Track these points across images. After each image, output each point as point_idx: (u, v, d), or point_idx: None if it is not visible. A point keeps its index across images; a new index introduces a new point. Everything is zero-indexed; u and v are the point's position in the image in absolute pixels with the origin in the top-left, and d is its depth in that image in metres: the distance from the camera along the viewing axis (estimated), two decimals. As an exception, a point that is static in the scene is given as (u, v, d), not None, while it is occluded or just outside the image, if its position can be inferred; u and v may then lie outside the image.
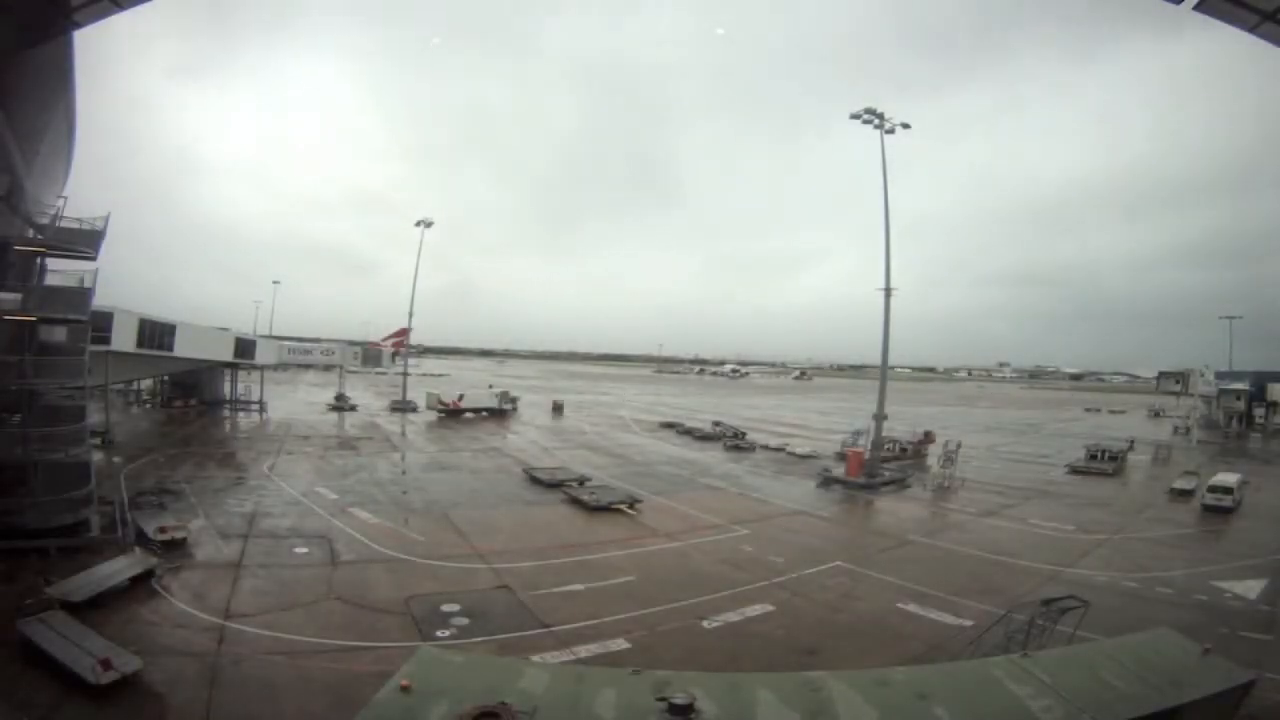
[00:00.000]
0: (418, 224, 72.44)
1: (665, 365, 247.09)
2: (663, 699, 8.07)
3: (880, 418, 44.65)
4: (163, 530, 23.68)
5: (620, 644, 17.53)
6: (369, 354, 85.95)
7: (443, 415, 66.75)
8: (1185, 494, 39.36)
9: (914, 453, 52.27)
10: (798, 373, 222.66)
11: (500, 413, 71.21)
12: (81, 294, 25.54)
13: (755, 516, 32.32)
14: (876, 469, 42.46)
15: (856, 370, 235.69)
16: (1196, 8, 15.20)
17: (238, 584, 20.48)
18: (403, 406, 69.97)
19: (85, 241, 25.81)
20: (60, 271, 26.24)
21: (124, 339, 39.84)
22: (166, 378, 65.61)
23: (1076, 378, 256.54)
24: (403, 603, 19.71)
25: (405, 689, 8.16)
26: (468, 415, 68.37)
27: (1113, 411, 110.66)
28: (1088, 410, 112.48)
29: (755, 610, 20.28)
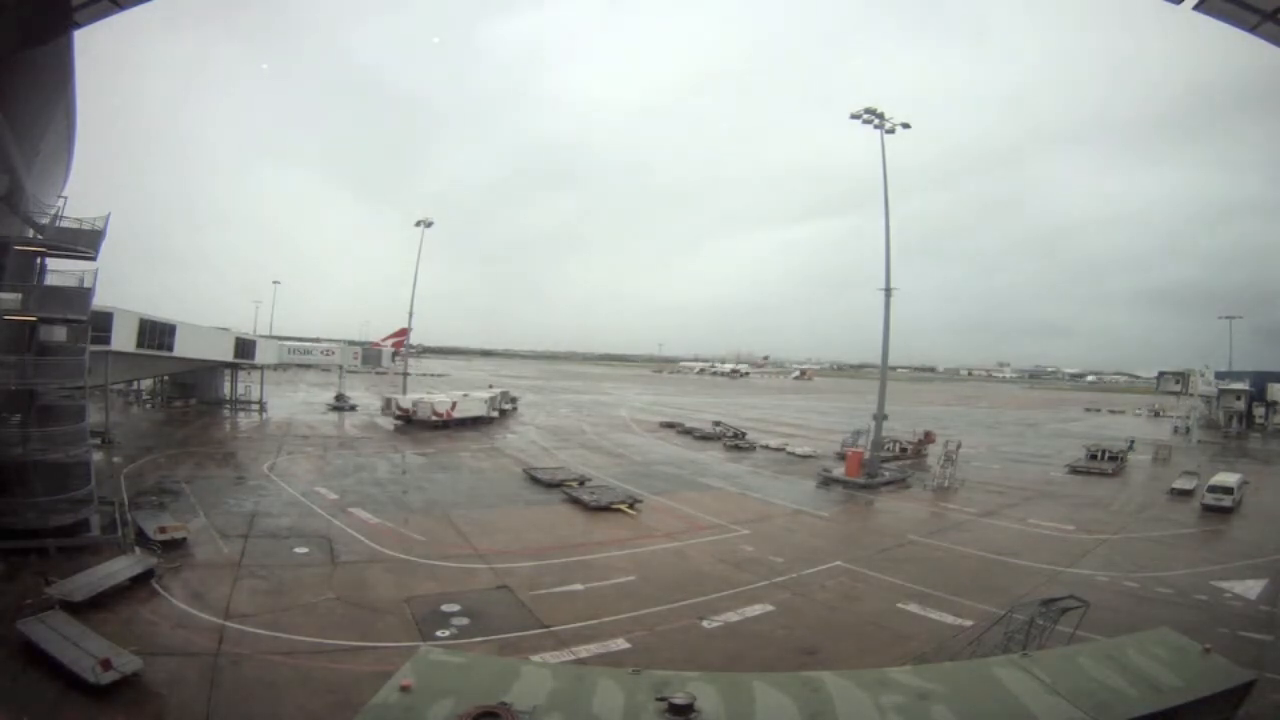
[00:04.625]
0: (418, 224, 72.44)
1: (665, 365, 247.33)
2: (663, 699, 8.07)
3: (880, 418, 44.65)
4: (162, 530, 23.67)
5: (620, 644, 17.54)
6: (369, 354, 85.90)
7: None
8: (1185, 494, 39.36)
9: (914, 453, 52.27)
10: (798, 372, 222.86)
11: (489, 420, 65.15)
12: (81, 294, 25.51)
13: (755, 516, 32.32)
14: (876, 469, 42.46)
15: (855, 369, 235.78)
16: (1196, 8, 15.23)
17: (238, 584, 20.48)
18: (405, 415, 64.41)
19: (85, 241, 25.80)
20: (60, 271, 26.23)
21: (124, 339, 39.80)
22: (166, 378, 65.57)
23: (1077, 377, 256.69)
24: (403, 603, 19.72)
25: (405, 689, 8.17)
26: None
27: (1112, 411, 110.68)
28: (1087, 410, 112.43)
29: (755, 610, 20.29)
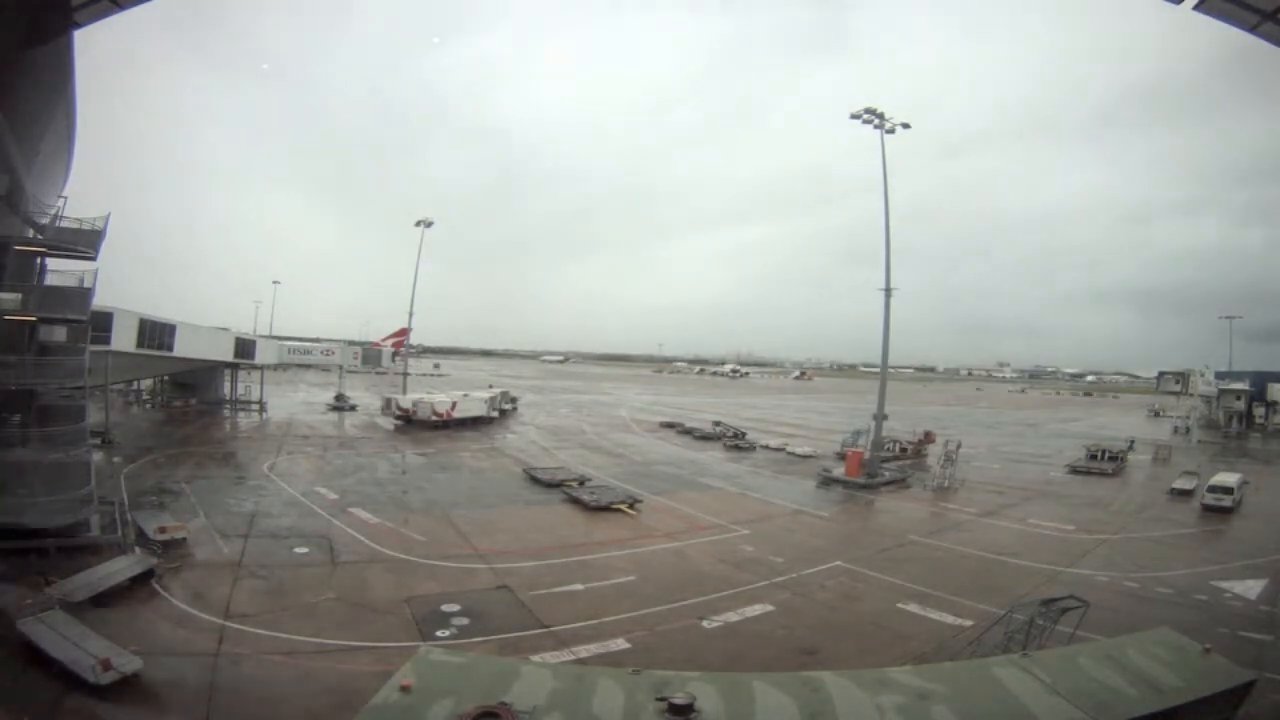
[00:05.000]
0: (418, 224, 72.48)
1: (665, 365, 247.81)
2: (663, 699, 8.06)
3: (880, 418, 44.66)
4: (162, 530, 23.67)
5: (620, 644, 17.55)
6: (369, 354, 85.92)
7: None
8: (1185, 494, 39.36)
9: (914, 453, 52.27)
10: (798, 373, 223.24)
11: (489, 420, 64.74)
12: (81, 294, 25.53)
13: (755, 516, 32.32)
14: (876, 469, 42.47)
15: (856, 369, 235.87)
16: (1196, 8, 15.24)
17: (238, 584, 20.48)
18: (405, 415, 62.38)
19: (85, 241, 25.81)
20: (60, 271, 26.25)
21: (124, 339, 39.84)
22: (166, 378, 65.57)
23: (1077, 377, 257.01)
24: (403, 602, 19.72)
25: (405, 689, 8.16)
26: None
27: (1085, 394, 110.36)
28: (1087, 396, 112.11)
29: (755, 610, 20.29)
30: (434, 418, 58.36)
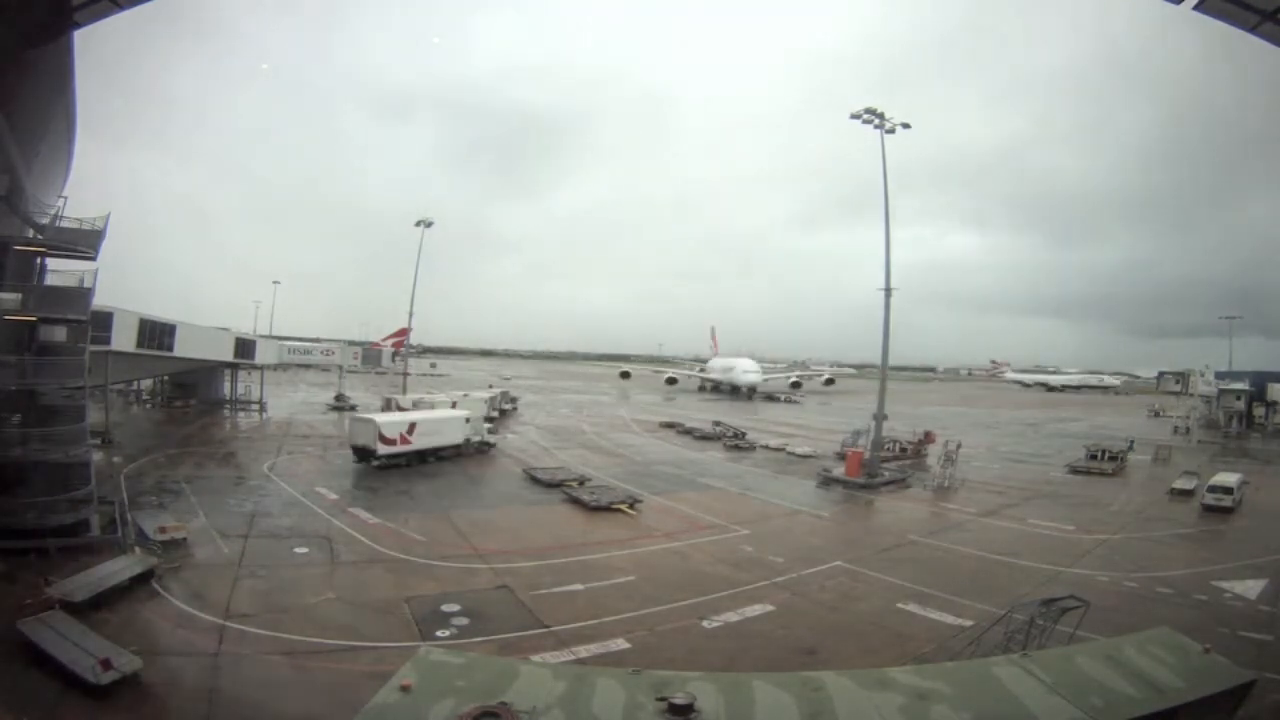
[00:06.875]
0: (417, 224, 72.46)
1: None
2: (663, 699, 8.07)
3: (880, 418, 44.66)
4: (163, 530, 23.71)
5: (620, 644, 17.57)
6: (369, 354, 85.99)
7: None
8: (1185, 494, 39.31)
9: (914, 453, 52.21)
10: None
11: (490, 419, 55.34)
12: (81, 294, 25.55)
13: (755, 516, 32.31)
14: (876, 469, 42.45)
15: (856, 370, 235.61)
16: (1196, 8, 15.23)
17: (238, 584, 20.50)
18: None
19: (85, 241, 25.82)
20: (60, 271, 26.26)
21: (124, 339, 39.83)
22: (166, 378, 65.61)
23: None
24: (402, 602, 19.74)
25: (405, 689, 8.18)
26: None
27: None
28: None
29: (755, 610, 20.30)
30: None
